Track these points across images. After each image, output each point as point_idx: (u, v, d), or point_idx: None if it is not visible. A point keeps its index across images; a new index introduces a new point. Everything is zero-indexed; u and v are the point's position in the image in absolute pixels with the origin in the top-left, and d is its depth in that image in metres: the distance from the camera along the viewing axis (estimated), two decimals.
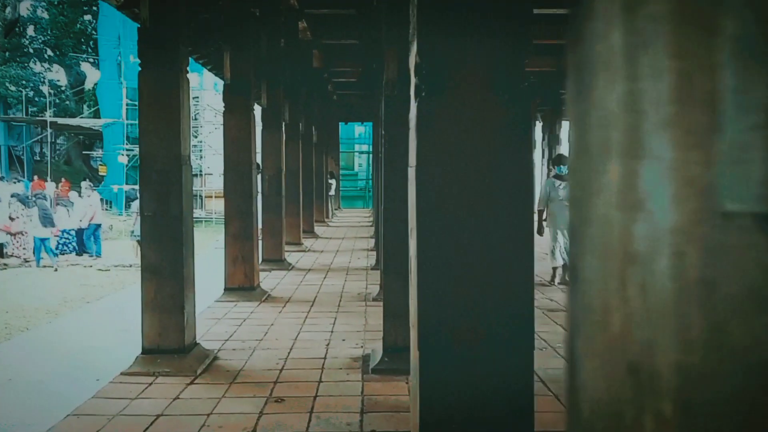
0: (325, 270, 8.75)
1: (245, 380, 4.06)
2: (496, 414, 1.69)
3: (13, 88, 29.01)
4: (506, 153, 1.73)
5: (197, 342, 4.53)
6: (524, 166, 1.74)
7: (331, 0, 9.20)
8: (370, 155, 24.75)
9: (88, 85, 33.13)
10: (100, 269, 12.52)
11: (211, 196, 21.93)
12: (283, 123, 9.17)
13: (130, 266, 12.91)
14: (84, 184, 16.40)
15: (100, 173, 27.71)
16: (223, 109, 6.57)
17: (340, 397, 3.73)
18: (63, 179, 20.46)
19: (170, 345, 4.24)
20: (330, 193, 15.12)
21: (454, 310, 1.72)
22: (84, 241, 13.89)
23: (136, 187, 17.67)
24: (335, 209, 19.78)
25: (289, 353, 4.64)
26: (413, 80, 1.78)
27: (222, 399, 3.71)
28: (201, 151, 23.16)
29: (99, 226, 14.00)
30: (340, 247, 11.50)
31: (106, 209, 20.54)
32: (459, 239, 1.72)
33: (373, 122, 20.81)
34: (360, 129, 27.03)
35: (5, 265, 12.75)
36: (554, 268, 7.32)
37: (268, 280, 7.68)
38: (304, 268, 8.89)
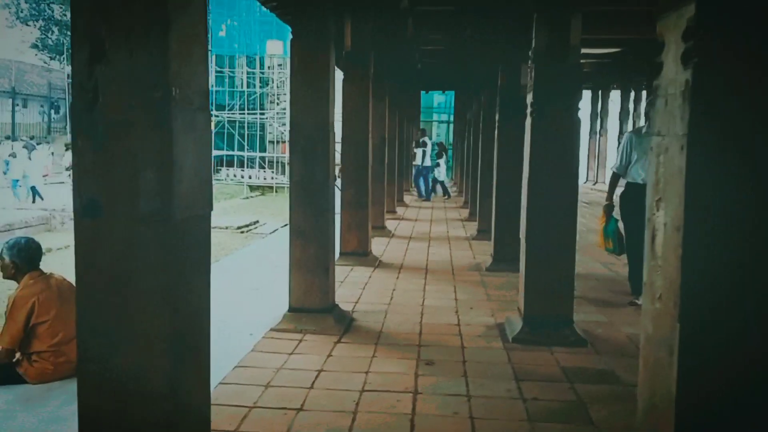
0: (426, 238, 8.82)
1: (389, 342, 4.18)
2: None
3: None
4: None
5: (336, 303, 4.69)
6: None
7: None
8: (450, 124, 24.46)
9: None
10: None
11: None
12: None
13: (226, 228, 13.47)
14: None
15: None
16: (342, 79, 6.63)
17: (488, 363, 3.79)
18: None
19: (314, 304, 4.41)
20: (415, 163, 15.11)
21: (723, 284, 1.70)
22: None
23: None
24: None
25: (421, 318, 4.74)
26: (681, 45, 1.74)
27: (373, 359, 3.85)
28: (283, 117, 23.59)
29: None
30: (433, 216, 11.54)
31: None
32: (729, 208, 1.69)
33: (454, 91, 20.53)
34: (439, 98, 26.75)
35: None
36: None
37: (374, 246, 7.81)
38: (405, 236, 8.99)
